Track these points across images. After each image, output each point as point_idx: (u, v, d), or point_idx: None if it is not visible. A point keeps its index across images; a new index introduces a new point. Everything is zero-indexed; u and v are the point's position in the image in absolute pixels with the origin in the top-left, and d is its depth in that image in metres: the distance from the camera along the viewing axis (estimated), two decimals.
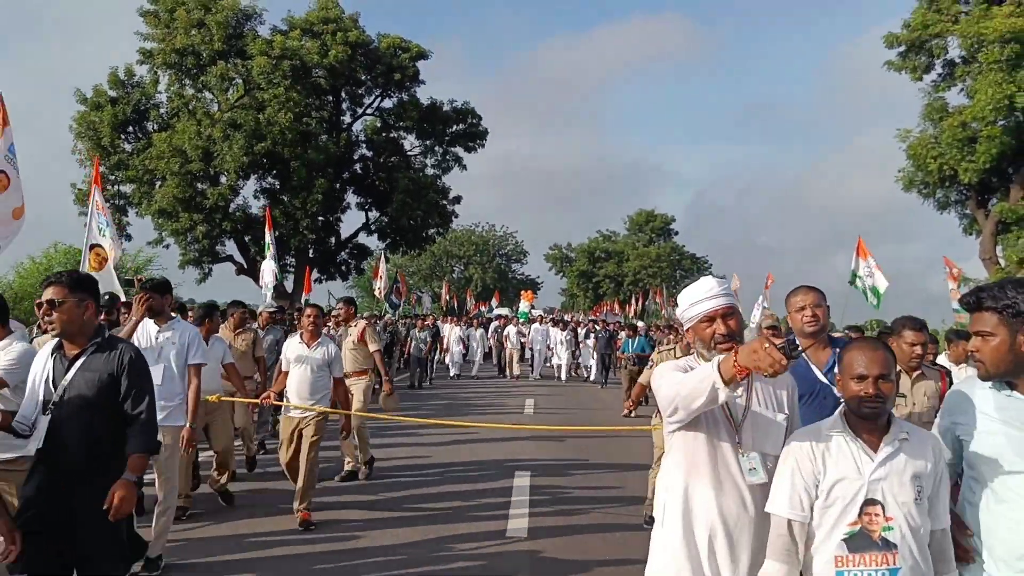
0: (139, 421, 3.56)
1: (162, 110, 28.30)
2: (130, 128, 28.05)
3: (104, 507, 3.32)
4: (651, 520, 6.16)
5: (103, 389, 3.46)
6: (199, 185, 27.10)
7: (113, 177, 27.49)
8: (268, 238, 17.40)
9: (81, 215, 27.71)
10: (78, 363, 3.51)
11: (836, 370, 3.60)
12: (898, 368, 4.39)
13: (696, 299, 2.86)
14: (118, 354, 3.54)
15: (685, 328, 2.98)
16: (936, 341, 9.20)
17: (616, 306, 53.76)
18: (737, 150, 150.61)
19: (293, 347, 7.00)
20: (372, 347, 8.91)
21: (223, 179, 27.43)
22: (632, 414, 11.93)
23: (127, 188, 27.95)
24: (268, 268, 16.73)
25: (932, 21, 21.77)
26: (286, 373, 6.96)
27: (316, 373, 6.82)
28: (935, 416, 3.39)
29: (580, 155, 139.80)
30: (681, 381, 2.67)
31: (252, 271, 28.70)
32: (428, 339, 19.34)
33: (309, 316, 7.02)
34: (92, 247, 9.36)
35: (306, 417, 6.71)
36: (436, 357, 21.79)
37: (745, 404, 2.80)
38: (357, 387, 8.72)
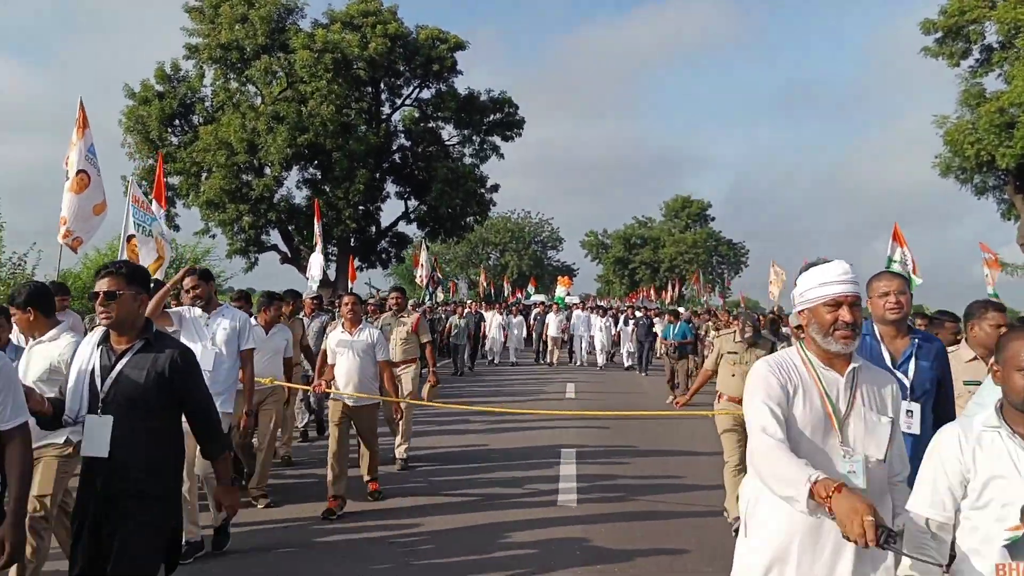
0: (208, 423, 3.55)
1: (207, 104, 29.17)
2: (177, 122, 28.94)
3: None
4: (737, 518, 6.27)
5: (150, 387, 3.34)
6: (244, 176, 27.92)
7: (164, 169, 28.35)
8: (317, 229, 17.91)
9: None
10: (125, 359, 3.39)
11: (912, 362, 3.78)
12: (973, 355, 4.55)
13: (826, 280, 2.62)
14: (168, 353, 3.41)
15: (798, 309, 2.73)
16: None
17: (652, 292, 53.87)
18: (776, 134, 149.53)
19: (335, 336, 7.06)
20: (424, 338, 9.05)
21: (267, 170, 28.20)
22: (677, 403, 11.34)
23: (175, 180, 28.79)
24: (316, 261, 17.23)
25: (969, 7, 21.69)
26: (332, 364, 7.00)
27: (362, 358, 6.85)
28: None
29: (617, 141, 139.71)
30: (772, 450, 2.47)
31: (296, 260, 29.50)
32: (470, 326, 19.24)
33: (348, 304, 7.06)
34: (129, 238, 9.64)
35: (358, 403, 6.79)
36: (479, 344, 21.93)
37: (849, 400, 2.60)
38: (407, 375, 8.78)
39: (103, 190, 9.33)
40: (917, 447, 3.18)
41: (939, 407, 3.83)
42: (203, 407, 3.53)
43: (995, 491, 2.33)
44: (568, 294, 40.55)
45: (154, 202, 10.97)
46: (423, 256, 26.15)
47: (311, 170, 30.13)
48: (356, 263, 29.10)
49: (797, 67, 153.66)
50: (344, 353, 6.88)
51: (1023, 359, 2.34)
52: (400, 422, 8.19)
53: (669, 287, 52.02)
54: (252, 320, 6.51)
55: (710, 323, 18.13)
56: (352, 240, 30.41)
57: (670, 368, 15.71)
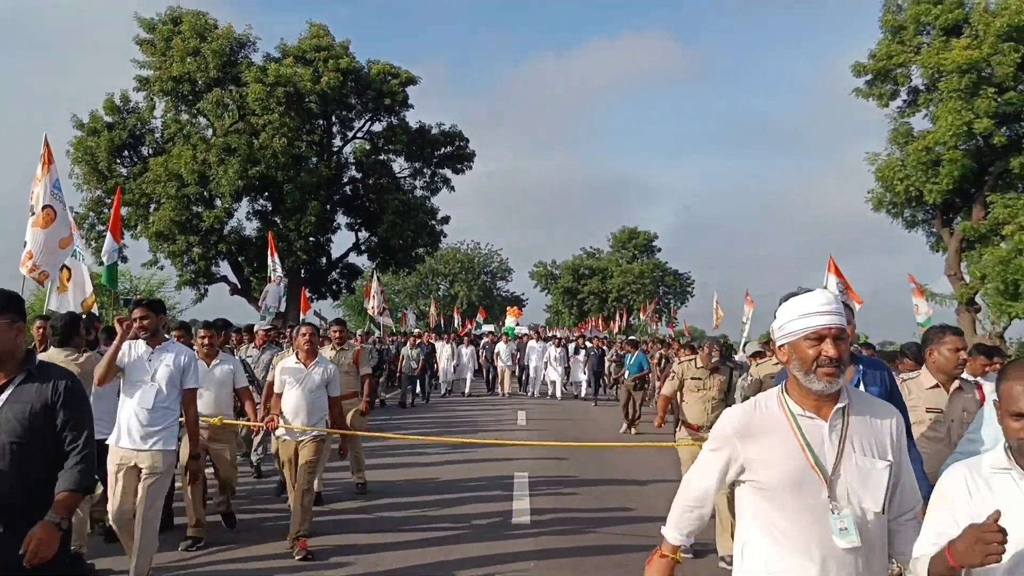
0: (75, 456, 3.16)
1: (157, 135, 29.06)
2: (126, 152, 28.80)
3: (20, 552, 2.89)
4: (687, 548, 6.51)
5: (36, 422, 3.06)
6: (195, 208, 27.86)
7: (110, 201, 28.21)
8: (272, 262, 18.02)
9: (80, 238, 28.48)
10: (6, 393, 3.09)
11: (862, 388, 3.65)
12: (934, 382, 4.58)
13: (807, 311, 2.39)
14: (52, 383, 3.14)
15: (779, 344, 2.48)
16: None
17: (600, 322, 54.51)
18: (722, 164, 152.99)
19: (287, 366, 6.74)
20: (363, 370, 8.97)
21: (218, 202, 28.21)
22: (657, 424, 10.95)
23: (123, 211, 28.60)
24: (273, 291, 17.19)
25: (895, 52, 23.03)
26: (279, 395, 6.71)
27: (314, 393, 6.61)
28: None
29: (566, 172, 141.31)
30: (680, 490, 2.64)
31: (247, 291, 29.48)
32: (421, 356, 19.08)
33: (305, 335, 6.78)
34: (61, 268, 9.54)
35: (303, 439, 6.51)
36: (431, 374, 21.43)
37: (839, 448, 2.35)
38: (347, 408, 8.51)
39: (69, 224, 9.53)
40: None
41: None
42: (83, 439, 3.19)
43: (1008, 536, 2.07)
44: (517, 324, 40.94)
45: (108, 235, 11.16)
46: (374, 287, 26.39)
47: (261, 201, 30.21)
48: (307, 294, 29.15)
49: (742, 101, 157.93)
50: (295, 387, 6.61)
51: (1017, 403, 2.16)
52: (350, 456, 8.12)
53: (617, 317, 52.73)
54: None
55: (662, 352, 18.41)
56: (302, 271, 30.48)
57: (627, 397, 15.41)
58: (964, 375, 5.59)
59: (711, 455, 2.52)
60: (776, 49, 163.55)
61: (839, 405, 2.38)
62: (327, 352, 8.57)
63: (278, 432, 6.70)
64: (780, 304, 2.51)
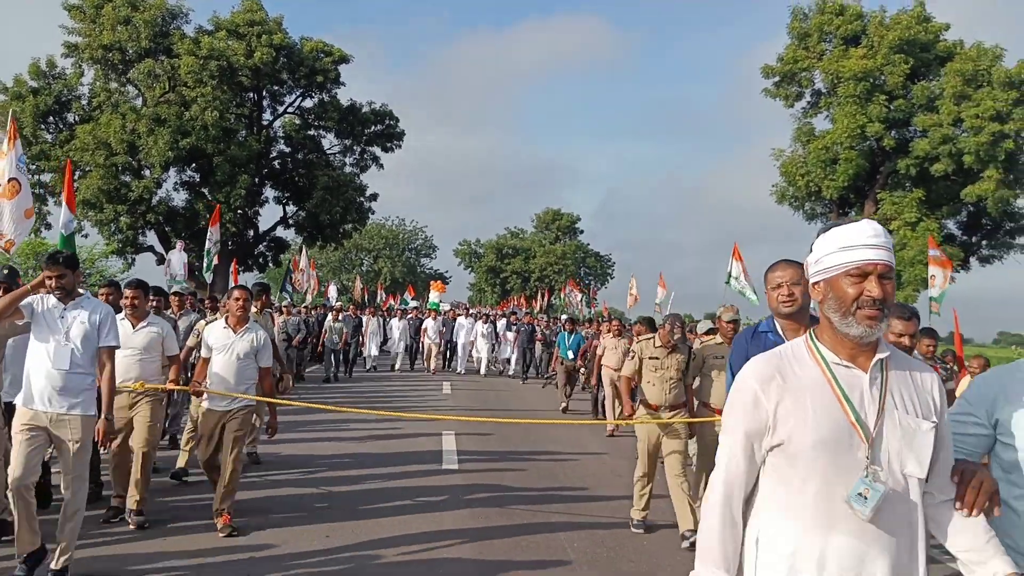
0: None
1: (84, 102, 28.92)
2: (51, 119, 28.59)
3: None
4: (639, 523, 6.68)
5: None
6: (123, 177, 27.90)
7: (35, 167, 28.02)
8: (211, 232, 18.05)
9: None
10: None
11: None
12: None
13: (849, 243, 2.06)
14: None
15: (812, 281, 2.15)
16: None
17: (523, 301, 55.73)
18: (646, 150, 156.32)
19: (217, 333, 6.33)
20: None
21: (147, 172, 28.33)
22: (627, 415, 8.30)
23: (46, 177, 28.45)
24: (176, 258, 17.38)
25: (800, 57, 24.91)
26: (206, 361, 6.33)
27: (242, 361, 6.21)
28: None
29: (494, 152, 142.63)
30: (713, 508, 2.12)
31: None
32: (345, 330, 18.84)
33: (238, 300, 6.31)
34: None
35: (231, 410, 6.17)
36: (357, 349, 21.25)
37: (880, 403, 2.04)
38: None
39: (31, 196, 10.17)
40: None
41: None
42: None
43: None
44: (441, 300, 41.81)
45: (64, 206, 11.75)
46: (303, 261, 26.97)
47: (189, 172, 30.39)
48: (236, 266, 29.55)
49: (668, 87, 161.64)
50: (223, 354, 6.22)
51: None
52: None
53: (539, 296, 54.00)
54: (119, 315, 6.11)
55: (600, 329, 17.43)
56: (230, 243, 30.78)
57: (565, 375, 15.21)
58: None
59: (734, 432, 2.11)
60: (702, 37, 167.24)
61: (879, 356, 2.06)
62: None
63: (203, 403, 6.36)
64: (818, 236, 2.17)
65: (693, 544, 5.37)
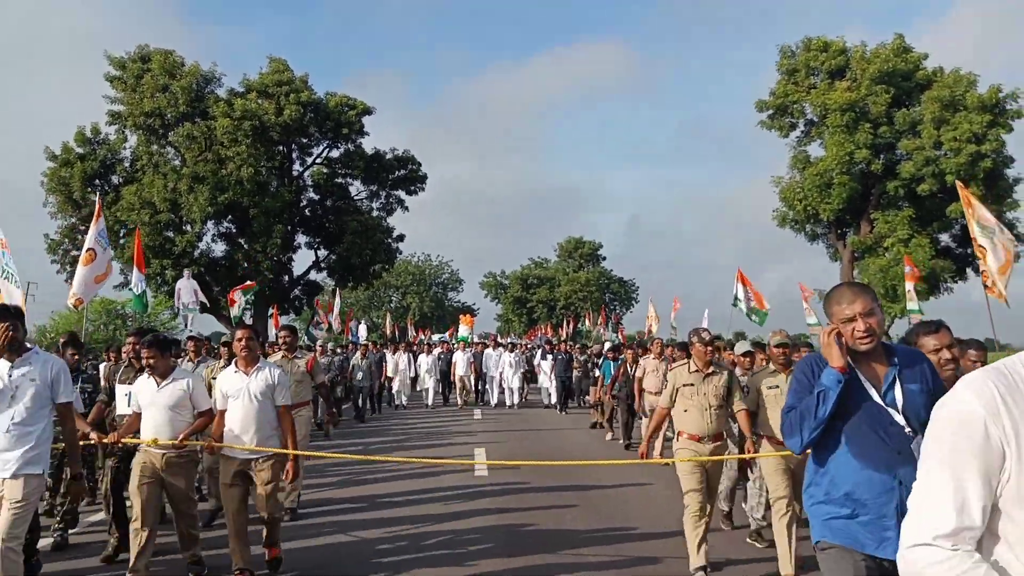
0: None
1: (126, 164, 31.14)
2: (97, 181, 30.67)
3: None
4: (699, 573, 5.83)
5: None
6: (167, 233, 30.01)
7: (84, 227, 30.21)
8: (241, 299, 20.10)
9: (53, 263, 30.62)
10: None
11: (899, 387, 2.93)
12: None
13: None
14: None
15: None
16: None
17: (549, 329, 56.88)
18: (668, 173, 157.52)
19: (228, 378, 6.08)
20: (319, 379, 8.70)
21: (188, 227, 30.42)
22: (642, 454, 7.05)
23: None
24: (186, 286, 16.67)
25: (791, 91, 26.61)
26: (223, 412, 6.02)
27: (261, 402, 5.95)
28: None
29: (517, 182, 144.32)
30: (956, 568, 1.62)
31: (215, 309, 31.66)
32: (372, 367, 18.63)
33: (241, 339, 6.05)
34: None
35: (257, 458, 5.91)
36: (380, 386, 20.78)
37: None
38: (299, 418, 7.87)
39: (105, 265, 12.03)
40: None
41: None
42: None
43: None
44: (471, 332, 43.22)
45: (135, 270, 13.66)
46: (337, 303, 28.74)
47: (225, 224, 32.45)
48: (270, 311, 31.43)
49: (688, 112, 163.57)
50: (238, 400, 5.95)
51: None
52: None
53: (565, 324, 55.17)
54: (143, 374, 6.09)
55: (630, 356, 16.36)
56: (266, 290, 32.65)
57: (611, 405, 14.49)
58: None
59: (963, 471, 1.66)
60: (721, 62, 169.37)
61: None
62: (278, 362, 8.01)
63: (224, 450, 6.02)
64: None
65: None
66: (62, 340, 7.87)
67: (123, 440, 6.11)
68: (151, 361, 5.85)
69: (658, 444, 8.16)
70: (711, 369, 6.19)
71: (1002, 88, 24.41)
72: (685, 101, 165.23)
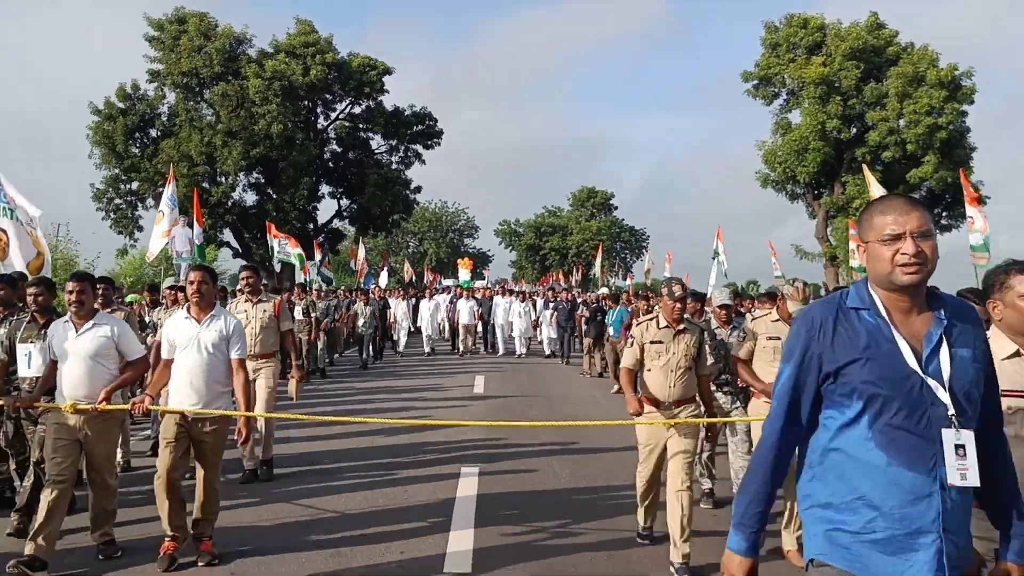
0: None
1: (163, 119, 33.77)
2: (136, 135, 33.41)
3: None
4: (643, 535, 5.67)
5: None
6: (203, 184, 32.74)
7: (126, 178, 33.10)
8: (277, 244, 22.22)
9: (98, 211, 33.47)
10: None
11: (945, 351, 2.07)
12: (1011, 349, 2.91)
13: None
14: None
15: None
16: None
17: (561, 276, 58.99)
18: (687, 123, 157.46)
19: (177, 325, 5.43)
20: (284, 325, 7.90)
21: (222, 179, 33.20)
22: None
23: (134, 185, 33.39)
24: (181, 235, 15.29)
25: (773, 64, 28.99)
26: (168, 363, 5.42)
27: (212, 355, 5.31)
28: None
29: (534, 131, 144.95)
30: None
31: (247, 255, 34.56)
32: (376, 313, 18.30)
33: (193, 283, 5.40)
34: None
35: (200, 417, 5.25)
36: (385, 333, 20.78)
37: None
38: (264, 373, 7.50)
39: (171, 222, 14.70)
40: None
41: (987, 429, 2.12)
42: None
43: None
44: (471, 276, 43.95)
45: (195, 224, 16.30)
46: (361, 250, 31.38)
47: (255, 175, 35.17)
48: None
49: (712, 58, 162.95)
50: (187, 350, 5.32)
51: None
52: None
53: (575, 271, 57.23)
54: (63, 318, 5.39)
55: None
56: (296, 236, 35.28)
57: (613, 357, 14.01)
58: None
59: None
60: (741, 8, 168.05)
61: None
62: (241, 307, 7.66)
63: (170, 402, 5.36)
64: None
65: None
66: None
67: (33, 404, 5.49)
68: (82, 297, 5.16)
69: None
70: (682, 326, 5.46)
71: (958, 67, 26.88)
72: (711, 51, 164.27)
